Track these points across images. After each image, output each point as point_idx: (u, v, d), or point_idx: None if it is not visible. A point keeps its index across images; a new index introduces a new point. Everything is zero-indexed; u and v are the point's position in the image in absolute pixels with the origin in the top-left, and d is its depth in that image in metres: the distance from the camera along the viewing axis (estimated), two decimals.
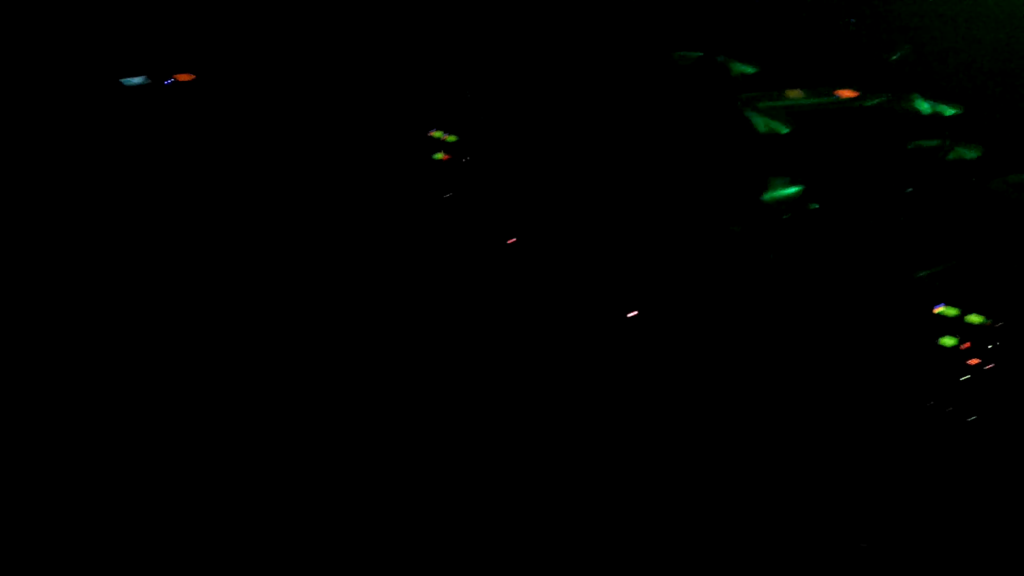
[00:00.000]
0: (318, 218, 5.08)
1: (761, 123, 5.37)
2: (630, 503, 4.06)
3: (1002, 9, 5.48)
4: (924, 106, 5.45)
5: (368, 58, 5.53)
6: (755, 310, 5.16)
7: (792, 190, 5.39)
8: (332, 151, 5.26)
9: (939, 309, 5.10)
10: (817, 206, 5.33)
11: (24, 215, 4.77)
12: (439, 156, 5.25)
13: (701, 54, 5.46)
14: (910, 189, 5.46)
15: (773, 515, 4.17)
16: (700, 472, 4.32)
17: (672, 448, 4.41)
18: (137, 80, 5.15)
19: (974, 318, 4.97)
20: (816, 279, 5.25)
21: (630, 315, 5.18)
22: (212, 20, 5.51)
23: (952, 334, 5.03)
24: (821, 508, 4.22)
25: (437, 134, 5.25)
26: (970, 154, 5.49)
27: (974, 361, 4.95)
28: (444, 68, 5.50)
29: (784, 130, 5.39)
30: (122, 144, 5.06)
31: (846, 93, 5.50)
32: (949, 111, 5.50)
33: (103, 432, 4.04)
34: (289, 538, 3.72)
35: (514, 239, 5.26)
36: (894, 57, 5.55)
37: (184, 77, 5.19)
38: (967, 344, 4.97)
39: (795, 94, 5.50)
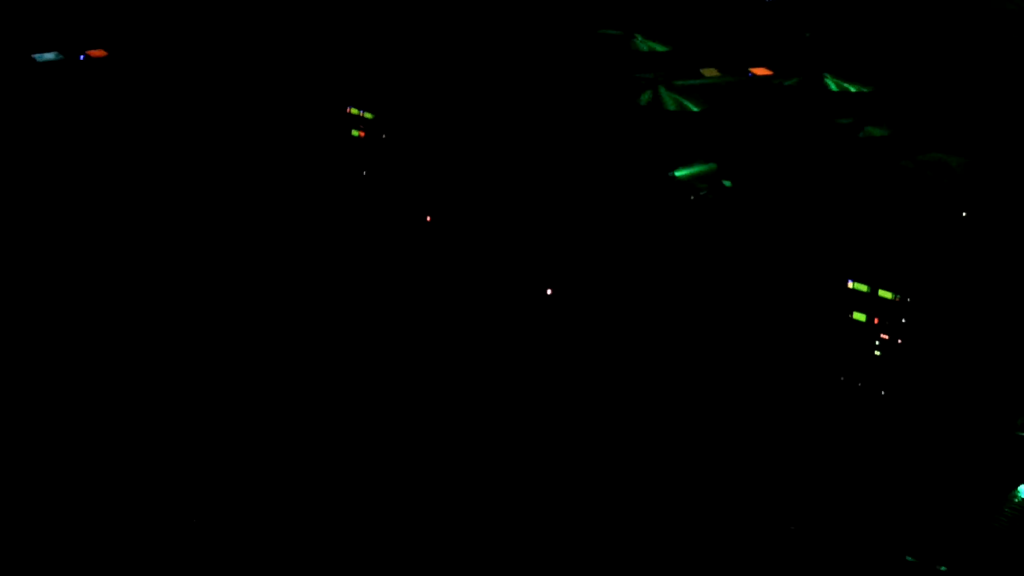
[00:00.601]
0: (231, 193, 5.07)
1: (674, 101, 5.42)
2: (588, 506, 4.13)
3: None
4: (833, 85, 5.53)
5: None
6: (667, 282, 5.25)
7: (706, 167, 5.46)
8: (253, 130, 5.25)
9: (851, 284, 5.22)
10: (729, 183, 5.41)
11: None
12: (356, 133, 5.25)
13: (619, 32, 5.50)
14: (824, 166, 5.56)
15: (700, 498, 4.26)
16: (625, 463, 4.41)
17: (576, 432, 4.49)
18: (49, 56, 5.09)
19: (885, 294, 5.10)
20: (730, 255, 5.33)
21: (548, 292, 5.24)
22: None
23: (863, 310, 5.16)
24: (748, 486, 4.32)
25: (354, 111, 5.25)
26: (878, 132, 5.59)
27: (884, 336, 5.08)
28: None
29: (696, 108, 5.45)
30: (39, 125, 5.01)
31: (760, 71, 5.56)
32: (852, 89, 5.59)
33: (102, 431, 4.06)
34: (289, 538, 3.75)
35: (429, 217, 5.30)
36: (808, 35, 5.62)
37: (96, 54, 5.13)
38: (876, 320, 5.11)
39: (711, 72, 5.56)
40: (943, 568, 3.82)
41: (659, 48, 5.39)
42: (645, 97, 5.27)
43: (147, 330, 4.46)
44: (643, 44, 5.35)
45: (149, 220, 4.88)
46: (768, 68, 5.52)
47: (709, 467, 4.33)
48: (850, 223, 5.43)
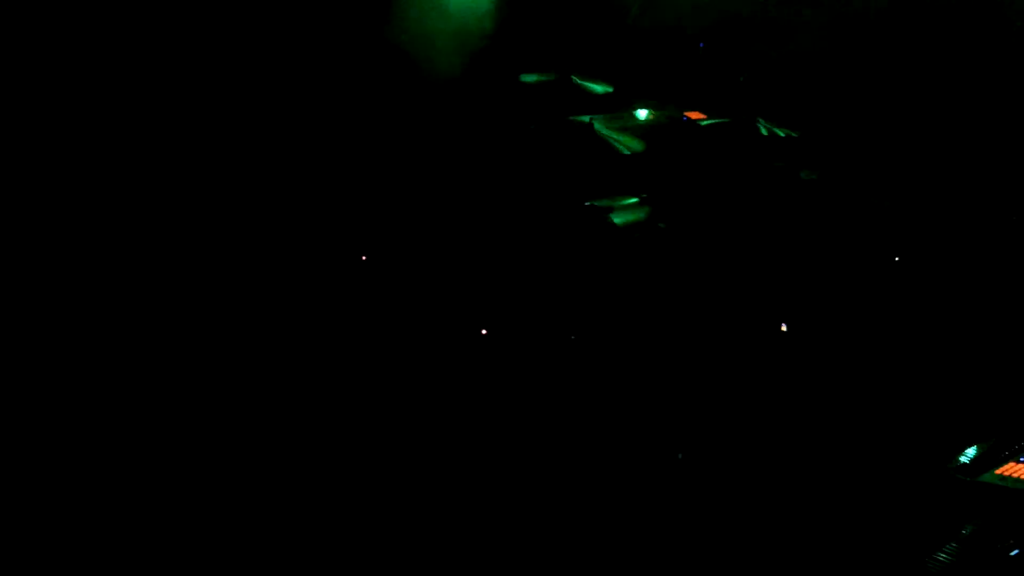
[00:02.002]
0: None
1: (612, 142, 5.46)
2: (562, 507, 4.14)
3: (840, 38, 5.69)
4: (763, 129, 5.63)
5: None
6: (603, 324, 5.28)
7: (641, 210, 5.51)
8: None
9: (783, 327, 5.32)
10: (663, 225, 5.47)
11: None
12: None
13: (554, 75, 5.53)
14: (756, 209, 5.64)
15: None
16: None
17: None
18: None
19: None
20: (670, 295, 5.38)
21: (483, 332, 5.23)
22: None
23: (797, 352, 5.26)
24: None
25: None
26: (807, 175, 5.71)
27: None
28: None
29: (635, 148, 5.49)
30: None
31: (694, 115, 5.63)
32: (780, 133, 5.70)
33: (102, 430, 3.98)
34: (289, 537, 3.71)
35: (365, 257, 5.26)
36: (741, 79, 5.71)
37: None
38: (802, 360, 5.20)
39: (645, 114, 5.61)
40: None
41: (597, 89, 5.43)
42: (579, 138, 5.30)
43: (146, 332, 4.41)
44: (584, 84, 5.39)
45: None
46: (701, 111, 5.59)
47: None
48: (783, 264, 5.51)
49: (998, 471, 4.13)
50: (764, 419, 4.82)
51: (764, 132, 5.61)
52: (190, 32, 5.15)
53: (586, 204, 5.38)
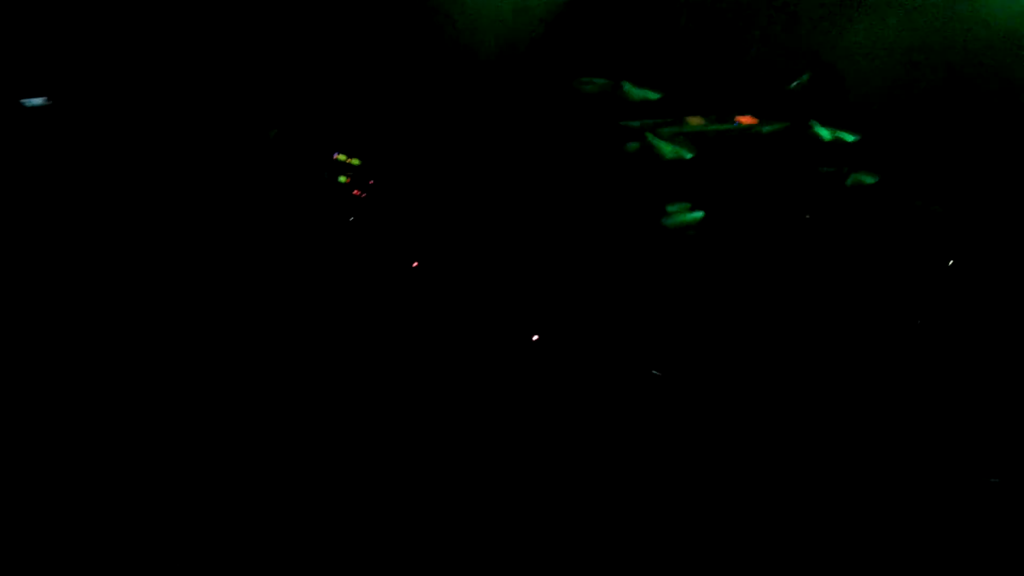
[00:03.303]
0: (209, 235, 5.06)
1: (664, 149, 5.44)
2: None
3: (900, 38, 5.60)
4: (823, 132, 5.55)
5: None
6: (659, 329, 5.25)
7: (694, 215, 5.48)
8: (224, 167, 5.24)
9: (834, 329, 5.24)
10: (718, 231, 5.43)
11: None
12: (343, 179, 5.26)
13: (605, 81, 5.52)
14: (808, 215, 5.58)
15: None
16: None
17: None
18: (37, 101, 5.09)
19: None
20: (719, 302, 5.34)
21: (534, 338, 5.23)
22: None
23: (849, 356, 5.17)
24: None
25: (341, 157, 5.26)
26: (868, 179, 5.62)
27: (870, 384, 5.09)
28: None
29: (687, 156, 5.47)
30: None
31: (746, 120, 5.59)
32: (847, 138, 5.62)
33: (102, 431, 4.02)
34: (289, 538, 3.73)
35: (417, 263, 5.29)
36: (793, 85, 5.65)
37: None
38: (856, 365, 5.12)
39: (696, 120, 5.58)
40: None
41: (649, 96, 5.41)
42: (632, 146, 5.28)
43: (146, 332, 4.45)
44: (633, 92, 5.37)
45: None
46: (753, 116, 5.54)
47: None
48: (839, 269, 5.44)
49: None
50: (812, 427, 4.76)
51: (825, 136, 5.55)
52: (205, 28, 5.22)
53: (638, 210, 5.37)
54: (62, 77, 5.16)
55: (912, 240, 5.50)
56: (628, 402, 4.93)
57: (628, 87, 5.47)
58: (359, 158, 5.25)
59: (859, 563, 4.11)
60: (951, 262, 5.30)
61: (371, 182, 5.27)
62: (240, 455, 4.27)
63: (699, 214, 5.42)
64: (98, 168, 5.09)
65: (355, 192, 5.27)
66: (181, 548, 3.66)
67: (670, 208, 5.42)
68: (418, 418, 4.59)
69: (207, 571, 3.61)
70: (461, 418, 4.66)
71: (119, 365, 4.50)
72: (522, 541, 4.10)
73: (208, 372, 4.62)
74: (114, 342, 4.56)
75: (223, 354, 4.70)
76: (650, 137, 5.41)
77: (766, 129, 5.56)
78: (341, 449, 4.29)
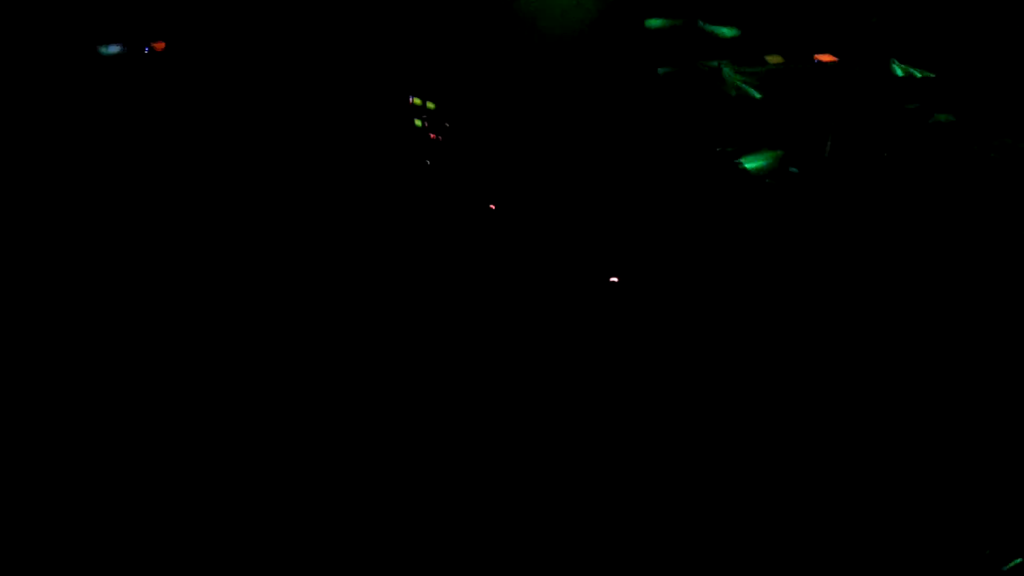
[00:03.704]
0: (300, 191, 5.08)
1: (742, 86, 5.37)
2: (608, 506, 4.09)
3: None
4: (896, 69, 5.46)
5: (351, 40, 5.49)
6: (736, 274, 5.20)
7: (773, 154, 5.40)
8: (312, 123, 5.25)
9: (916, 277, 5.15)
10: (796, 171, 5.36)
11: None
12: (419, 123, 5.24)
13: (680, 20, 5.45)
14: (886, 153, 5.49)
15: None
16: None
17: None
18: (114, 48, 5.11)
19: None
20: (797, 246, 5.28)
21: (611, 280, 5.21)
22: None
23: (934, 303, 5.08)
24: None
25: (416, 101, 5.24)
26: (943, 118, 5.52)
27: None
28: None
29: (764, 94, 5.39)
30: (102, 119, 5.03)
31: (825, 58, 5.50)
32: (917, 74, 5.52)
33: (102, 431, 4.05)
34: (289, 538, 3.73)
35: (493, 206, 5.28)
36: (874, 20, 5.55)
37: (160, 46, 5.15)
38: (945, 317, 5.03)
39: (775, 59, 5.50)
40: None
41: (726, 32, 5.33)
42: (710, 84, 5.21)
43: (145, 332, 4.43)
44: (710, 28, 5.29)
45: (209, 207, 4.87)
46: (833, 54, 5.45)
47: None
48: (920, 210, 5.35)
49: None
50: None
51: (900, 73, 5.45)
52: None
53: (716, 150, 5.31)
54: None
55: (999, 179, 5.40)
56: (703, 345, 4.90)
57: (703, 24, 5.40)
58: (434, 102, 5.23)
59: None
60: None
61: (447, 125, 5.25)
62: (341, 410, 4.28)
63: (778, 153, 5.35)
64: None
65: (431, 136, 5.25)
66: (181, 548, 3.67)
67: (747, 148, 5.35)
68: (508, 353, 4.59)
69: (207, 571, 3.61)
70: (547, 354, 4.66)
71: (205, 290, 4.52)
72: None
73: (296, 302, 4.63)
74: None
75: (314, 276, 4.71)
76: (727, 75, 5.34)
77: (845, 67, 5.47)
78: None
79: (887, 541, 4.01)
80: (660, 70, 5.36)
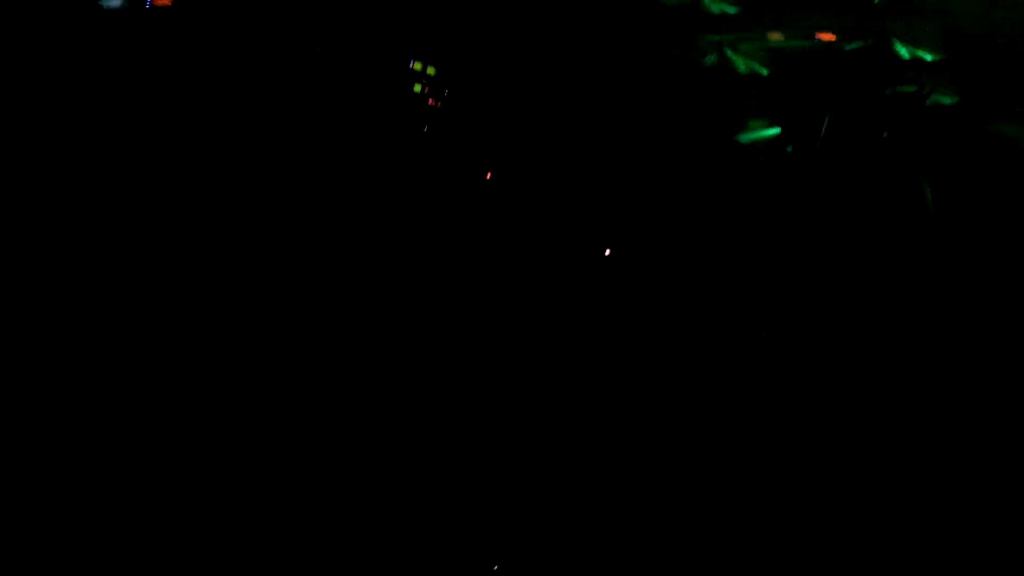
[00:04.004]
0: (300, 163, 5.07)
1: (742, 64, 5.37)
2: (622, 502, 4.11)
3: None
4: (902, 51, 5.45)
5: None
6: (732, 253, 5.22)
7: (770, 131, 5.41)
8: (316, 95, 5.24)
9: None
10: (791, 148, 5.37)
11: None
12: (418, 88, 5.24)
13: None
14: (886, 133, 5.49)
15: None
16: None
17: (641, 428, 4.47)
18: (115, 2, 5.10)
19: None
20: (792, 224, 5.30)
21: (607, 253, 5.23)
22: None
23: (926, 285, 5.11)
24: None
25: (416, 66, 5.24)
26: (947, 100, 5.52)
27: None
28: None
29: (764, 71, 5.40)
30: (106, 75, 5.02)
31: (827, 36, 5.50)
32: (928, 56, 5.52)
33: (102, 431, 4.05)
34: (289, 538, 3.75)
35: (490, 174, 5.28)
36: (876, 1, 5.54)
37: (162, 2, 5.14)
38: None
39: (776, 36, 5.50)
40: None
41: (728, 10, 5.33)
42: (710, 59, 5.22)
43: (145, 332, 4.43)
44: (712, 6, 5.29)
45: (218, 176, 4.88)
46: (833, 33, 5.45)
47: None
48: (913, 190, 5.36)
49: None
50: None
51: (904, 55, 5.45)
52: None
53: (714, 125, 5.32)
54: None
55: (990, 162, 5.42)
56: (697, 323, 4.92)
57: (708, 1, 5.40)
58: (434, 67, 5.23)
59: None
60: None
61: (446, 92, 5.25)
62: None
63: (775, 130, 5.36)
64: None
65: (430, 102, 5.25)
66: (181, 548, 3.67)
67: (747, 125, 5.36)
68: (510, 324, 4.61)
69: (207, 571, 3.62)
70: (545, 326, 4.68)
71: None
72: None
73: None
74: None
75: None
76: (728, 51, 5.34)
77: (847, 47, 5.47)
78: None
79: (887, 541, 4.05)
80: (664, 46, 5.37)
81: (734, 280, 5.15)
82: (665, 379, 4.58)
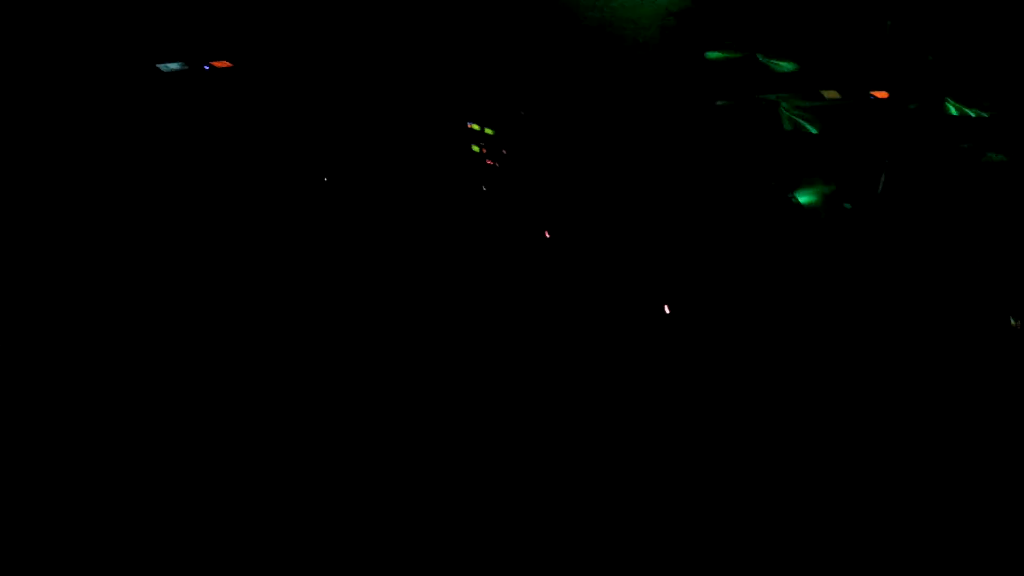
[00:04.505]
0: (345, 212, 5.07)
1: (801, 123, 5.39)
2: (628, 503, 4.08)
3: None
4: (951, 108, 5.48)
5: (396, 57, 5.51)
6: (783, 306, 5.20)
7: (825, 189, 5.42)
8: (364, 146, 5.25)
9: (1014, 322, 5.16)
10: (850, 206, 5.37)
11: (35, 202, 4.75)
12: (477, 148, 5.25)
13: (740, 53, 5.47)
14: (941, 192, 5.50)
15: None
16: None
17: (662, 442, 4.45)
18: (174, 66, 5.12)
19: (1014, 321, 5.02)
20: (849, 278, 5.28)
21: (665, 311, 5.21)
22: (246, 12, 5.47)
23: (988, 337, 5.08)
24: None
25: (474, 127, 5.25)
26: (996, 157, 5.53)
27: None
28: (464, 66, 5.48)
29: (820, 128, 5.41)
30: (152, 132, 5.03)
31: (880, 94, 5.51)
32: (972, 113, 5.54)
33: (102, 431, 4.02)
34: (289, 538, 3.71)
35: (548, 234, 5.28)
36: (930, 58, 5.57)
37: (221, 64, 5.16)
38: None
39: (831, 94, 5.51)
40: None
41: (784, 67, 5.35)
42: (768, 118, 5.23)
43: (145, 332, 4.42)
44: (767, 64, 5.31)
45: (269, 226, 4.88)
46: (888, 91, 5.47)
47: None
48: (973, 246, 5.36)
49: None
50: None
51: (953, 112, 5.46)
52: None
53: (771, 183, 5.32)
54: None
55: None
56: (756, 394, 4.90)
57: (762, 58, 5.42)
58: (493, 128, 5.25)
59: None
60: None
61: (504, 152, 5.26)
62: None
63: (831, 187, 5.36)
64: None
65: (488, 162, 5.26)
66: (181, 548, 3.64)
67: (802, 182, 5.36)
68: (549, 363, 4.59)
69: (207, 571, 3.59)
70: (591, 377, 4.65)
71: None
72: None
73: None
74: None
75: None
76: (784, 110, 5.35)
77: (901, 104, 5.49)
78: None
79: (887, 541, 4.01)
80: (719, 103, 5.38)
81: (793, 336, 5.12)
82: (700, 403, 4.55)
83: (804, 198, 5.32)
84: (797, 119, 5.41)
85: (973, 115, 5.56)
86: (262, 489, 3.93)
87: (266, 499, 3.88)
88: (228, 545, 3.68)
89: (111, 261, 4.69)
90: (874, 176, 5.50)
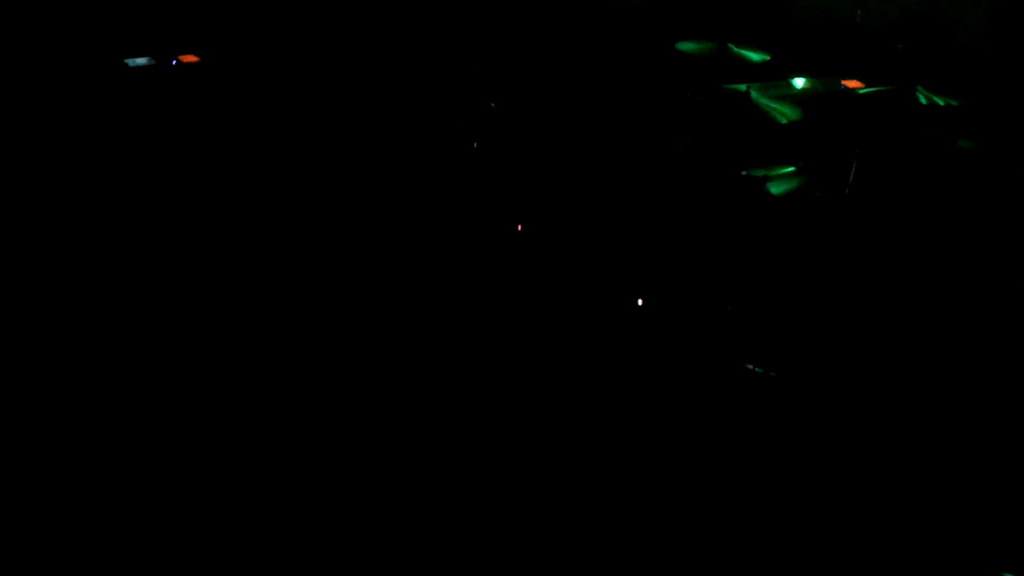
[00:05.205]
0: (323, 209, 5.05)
1: (772, 112, 5.39)
2: (628, 502, 4.09)
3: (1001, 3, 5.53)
4: (920, 97, 5.50)
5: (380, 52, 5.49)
6: (757, 298, 5.21)
7: (798, 179, 5.43)
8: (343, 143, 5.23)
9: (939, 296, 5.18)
10: (820, 195, 5.38)
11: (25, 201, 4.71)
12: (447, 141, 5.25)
13: (711, 44, 5.47)
14: (912, 180, 5.52)
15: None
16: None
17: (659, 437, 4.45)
18: (141, 61, 5.08)
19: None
20: (819, 267, 5.30)
21: (638, 303, 5.21)
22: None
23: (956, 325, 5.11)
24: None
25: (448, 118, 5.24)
26: (964, 145, 5.57)
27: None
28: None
29: (792, 118, 5.42)
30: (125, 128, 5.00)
31: (852, 83, 5.53)
32: (940, 102, 5.56)
33: (103, 431, 4.01)
34: (289, 538, 3.71)
35: (521, 226, 5.27)
36: (899, 46, 5.59)
37: (189, 59, 5.12)
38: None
39: (802, 83, 5.52)
40: None
41: (753, 57, 5.35)
42: (739, 108, 5.24)
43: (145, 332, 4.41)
44: (737, 52, 5.31)
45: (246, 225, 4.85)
46: (859, 80, 5.48)
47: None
48: (942, 233, 5.39)
49: None
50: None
51: (923, 101, 5.48)
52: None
53: (742, 173, 5.32)
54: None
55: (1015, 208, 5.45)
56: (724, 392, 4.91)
57: (733, 48, 5.41)
58: (464, 120, 5.24)
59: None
60: None
61: (475, 145, 5.25)
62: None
63: (802, 177, 5.38)
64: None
65: (459, 155, 5.25)
66: (181, 548, 3.64)
67: (774, 172, 5.37)
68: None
69: (207, 571, 3.58)
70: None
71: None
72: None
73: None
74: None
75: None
76: (755, 99, 5.36)
77: (871, 93, 5.50)
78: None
79: (887, 541, 4.03)
80: (689, 94, 5.38)
81: (762, 324, 5.13)
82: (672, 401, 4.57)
83: (776, 188, 5.33)
84: (768, 109, 5.41)
85: (942, 103, 5.58)
86: (262, 489, 3.93)
87: (266, 499, 3.88)
88: (228, 545, 3.68)
89: (84, 258, 4.67)
90: (846, 165, 5.51)
